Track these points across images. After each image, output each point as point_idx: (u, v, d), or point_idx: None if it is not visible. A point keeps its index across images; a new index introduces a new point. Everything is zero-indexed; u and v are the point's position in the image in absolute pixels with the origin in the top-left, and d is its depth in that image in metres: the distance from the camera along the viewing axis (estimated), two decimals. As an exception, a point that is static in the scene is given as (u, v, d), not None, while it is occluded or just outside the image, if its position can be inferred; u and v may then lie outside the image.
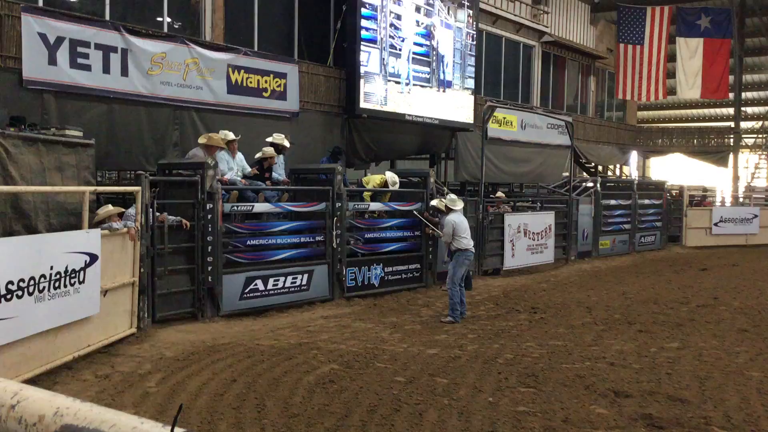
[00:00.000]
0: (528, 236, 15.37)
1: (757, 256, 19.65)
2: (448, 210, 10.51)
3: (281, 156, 11.47)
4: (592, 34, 26.82)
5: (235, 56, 12.76)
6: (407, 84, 15.95)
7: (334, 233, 10.88)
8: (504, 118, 20.22)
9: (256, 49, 13.66)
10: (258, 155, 11.16)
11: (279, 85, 13.51)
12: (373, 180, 12.76)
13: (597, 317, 10.15)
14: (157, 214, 8.59)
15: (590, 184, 19.41)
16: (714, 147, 30.49)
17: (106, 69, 10.69)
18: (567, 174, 19.99)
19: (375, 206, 12.22)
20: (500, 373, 6.90)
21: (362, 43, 14.64)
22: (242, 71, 12.84)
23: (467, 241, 10.26)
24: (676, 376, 6.91)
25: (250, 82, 12.97)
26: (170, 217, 8.81)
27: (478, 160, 16.40)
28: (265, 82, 13.22)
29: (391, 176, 12.49)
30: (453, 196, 10.96)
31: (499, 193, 15.86)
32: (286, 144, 11.57)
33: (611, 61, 27.45)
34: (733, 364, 7.46)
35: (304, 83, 14.22)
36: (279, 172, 11.35)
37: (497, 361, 7.44)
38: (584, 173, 27.26)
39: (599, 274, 15.50)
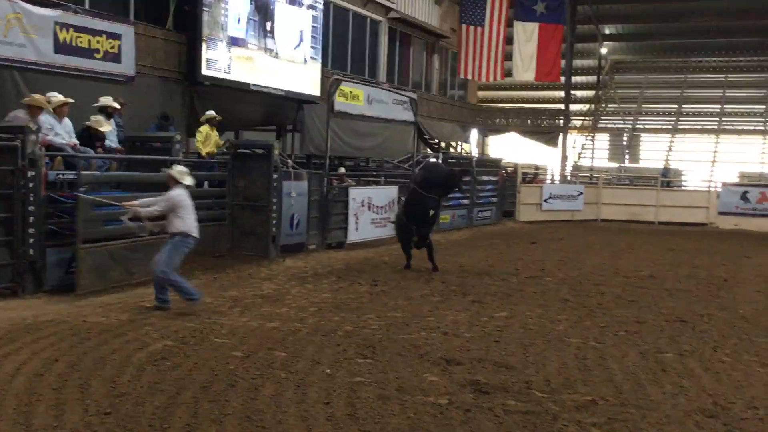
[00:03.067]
0: (372, 210, 15.59)
1: (581, 230, 21.16)
2: (175, 183, 8.36)
3: (112, 120, 10.83)
4: (436, 14, 27.46)
5: (64, 13, 11.90)
6: (253, 53, 15.57)
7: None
8: (351, 92, 20.28)
9: (87, 6, 12.78)
10: (87, 123, 10.45)
11: (113, 47, 12.74)
12: (202, 133, 12.72)
13: (434, 289, 10.49)
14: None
15: (433, 160, 19.99)
16: (546, 127, 32.43)
17: None
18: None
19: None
20: (339, 345, 6.96)
21: (204, 7, 14.09)
22: (71, 30, 11.99)
23: (190, 223, 8.31)
24: (504, 343, 7.29)
25: (81, 42, 12.14)
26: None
27: (324, 133, 16.38)
28: (97, 42, 12.42)
29: (208, 113, 12.68)
30: (183, 168, 8.84)
31: (342, 170, 15.95)
32: (116, 105, 10.93)
33: (454, 40, 28.30)
34: (555, 331, 7.98)
35: (141, 46, 13.52)
36: (111, 139, 10.71)
37: (337, 333, 7.50)
38: (428, 149, 28.04)
39: (439, 247, 15.92)
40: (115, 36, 12.81)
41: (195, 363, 6.13)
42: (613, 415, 5.28)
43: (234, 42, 14.94)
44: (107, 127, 10.54)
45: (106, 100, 10.87)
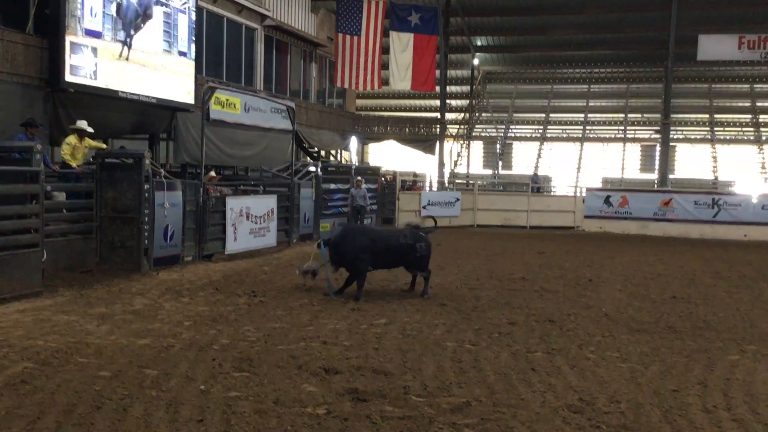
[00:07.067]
0: (251, 220, 15.33)
1: (458, 236, 21.71)
2: None
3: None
4: (313, 22, 27.49)
5: None
6: (122, 58, 14.96)
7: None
8: (227, 100, 19.93)
9: (-65, 7, 11.88)
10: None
11: (-35, 51, 11.89)
12: (69, 145, 12.09)
13: (314, 298, 10.43)
14: None
15: (312, 169, 19.94)
16: (423, 135, 33.15)
17: None
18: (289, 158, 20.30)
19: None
20: (214, 360, 6.78)
21: (67, 10, 13.40)
22: None
23: None
24: (382, 350, 7.35)
25: (-72, 45, 11.25)
26: None
27: (199, 141, 15.97)
28: (-52, 46, 11.56)
29: (79, 123, 12.14)
30: None
31: (212, 173, 15.60)
32: None
33: (332, 49, 28.40)
34: (432, 336, 8.13)
35: (-1, 51, 12.69)
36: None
37: (212, 347, 7.30)
38: (308, 158, 27.96)
39: (319, 255, 15.95)
40: (-32, 39, 11.99)
41: (58, 385, 5.79)
42: (485, 416, 5.43)
43: (102, 48, 14.27)
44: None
45: None
